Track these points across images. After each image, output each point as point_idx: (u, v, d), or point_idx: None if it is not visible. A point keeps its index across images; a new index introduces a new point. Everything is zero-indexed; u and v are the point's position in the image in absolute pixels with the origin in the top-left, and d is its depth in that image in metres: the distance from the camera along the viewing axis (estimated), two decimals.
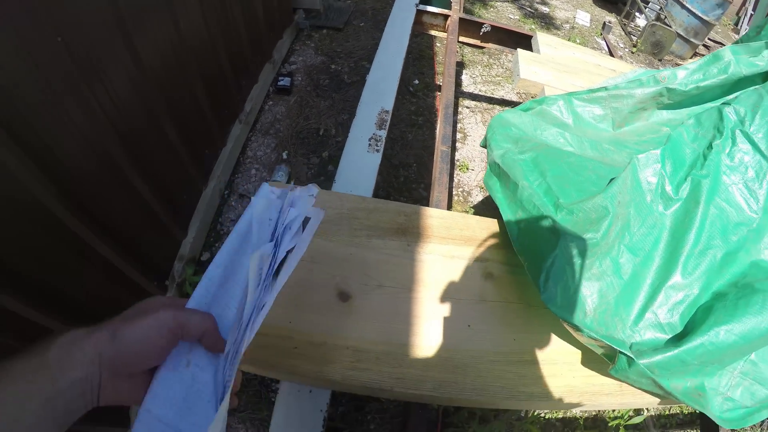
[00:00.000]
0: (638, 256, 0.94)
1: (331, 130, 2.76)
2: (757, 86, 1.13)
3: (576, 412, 2.32)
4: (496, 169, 1.21)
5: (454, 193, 2.79)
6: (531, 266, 0.97)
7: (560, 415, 2.36)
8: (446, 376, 0.90)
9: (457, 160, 2.97)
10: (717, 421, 0.90)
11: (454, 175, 2.83)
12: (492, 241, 1.14)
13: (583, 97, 1.48)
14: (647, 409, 2.46)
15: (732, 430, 1.20)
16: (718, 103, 1.14)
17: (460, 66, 3.57)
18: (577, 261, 0.91)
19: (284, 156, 2.64)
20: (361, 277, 1.01)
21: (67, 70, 1.25)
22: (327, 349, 0.91)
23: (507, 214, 1.09)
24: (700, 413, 1.19)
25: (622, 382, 0.96)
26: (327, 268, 1.01)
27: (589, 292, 0.89)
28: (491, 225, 1.17)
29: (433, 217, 1.14)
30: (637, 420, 2.29)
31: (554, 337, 1.01)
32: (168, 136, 1.85)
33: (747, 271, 0.94)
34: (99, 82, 1.41)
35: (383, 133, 1.71)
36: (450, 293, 1.03)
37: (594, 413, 2.37)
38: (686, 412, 2.62)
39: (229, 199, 2.44)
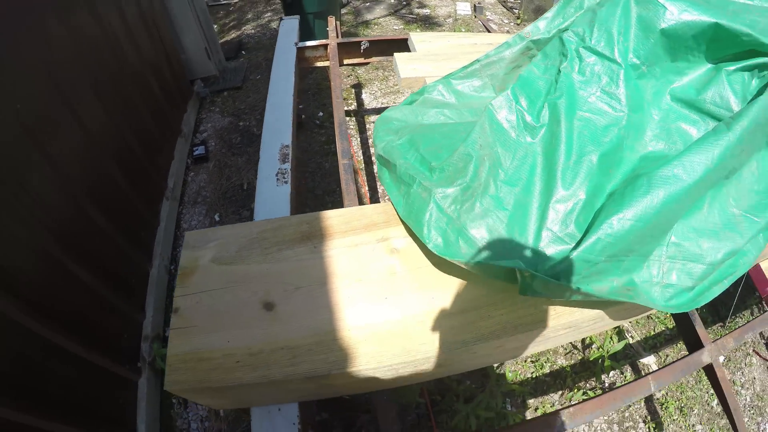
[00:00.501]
0: (517, 186, 1.04)
1: (254, 182, 2.93)
2: (588, 7, 1.29)
3: (562, 362, 2.48)
4: (381, 161, 1.38)
5: (372, 195, 2.96)
6: (416, 226, 1.09)
7: (547, 370, 2.50)
8: (376, 348, 1.02)
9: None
10: (664, 310, 0.96)
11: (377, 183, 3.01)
12: (390, 222, 1.28)
13: (459, 75, 1.59)
14: (630, 336, 2.65)
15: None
16: None
17: (359, 87, 3.81)
18: (452, 207, 1.04)
19: (216, 218, 2.78)
20: (279, 285, 1.14)
21: None
22: (265, 355, 1.03)
23: (393, 193, 1.24)
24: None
25: (543, 298, 1.05)
26: (249, 287, 1.14)
27: (477, 231, 1.00)
28: (386, 208, 1.30)
29: (332, 217, 1.30)
30: (617, 347, 2.44)
31: (472, 286, 1.13)
32: (99, 224, 1.96)
33: (637, 165, 1.04)
34: (24, 192, 1.53)
35: (287, 166, 1.87)
36: (361, 275, 1.15)
37: (579, 358, 2.53)
38: (671, 326, 2.82)
39: (176, 273, 2.55)
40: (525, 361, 2.45)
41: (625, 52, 1.13)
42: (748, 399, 2.65)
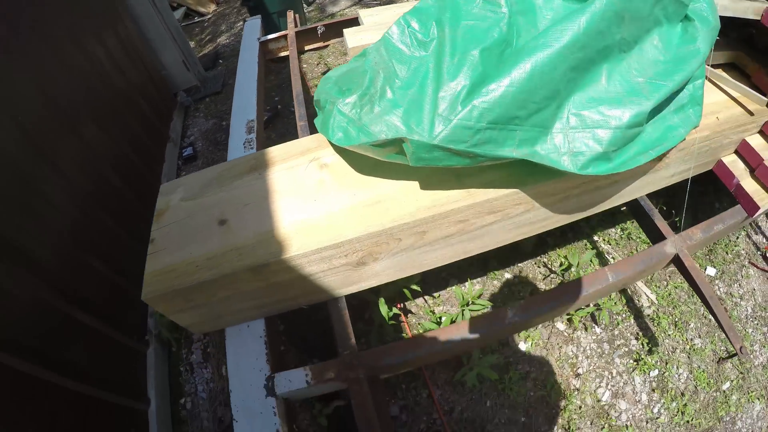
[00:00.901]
0: (412, 88, 1.22)
1: None
2: None
3: (542, 287, 2.55)
4: (316, 107, 1.57)
5: None
6: (324, 131, 1.32)
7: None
8: (306, 238, 1.24)
9: None
10: (581, 172, 1.12)
11: None
12: (321, 146, 1.49)
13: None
14: (612, 258, 2.69)
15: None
16: None
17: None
18: (353, 111, 1.28)
19: None
20: (231, 206, 1.36)
21: None
22: (218, 257, 1.25)
23: (318, 121, 1.44)
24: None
25: (442, 167, 1.21)
26: (208, 212, 1.38)
27: (376, 126, 1.20)
28: (319, 137, 1.53)
29: (274, 150, 1.51)
30: (587, 257, 2.48)
31: (387, 181, 1.33)
32: (106, 224, 2.26)
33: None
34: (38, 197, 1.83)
35: (253, 136, 2.09)
36: (297, 186, 1.39)
37: (558, 281, 2.59)
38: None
39: None
40: (502, 290, 2.51)
41: None
42: (750, 310, 2.67)
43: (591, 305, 2.38)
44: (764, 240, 3.10)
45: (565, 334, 2.37)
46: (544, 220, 1.47)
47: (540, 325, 2.41)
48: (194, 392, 2.18)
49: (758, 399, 2.33)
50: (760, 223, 3.29)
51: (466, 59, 1.17)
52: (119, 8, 3.15)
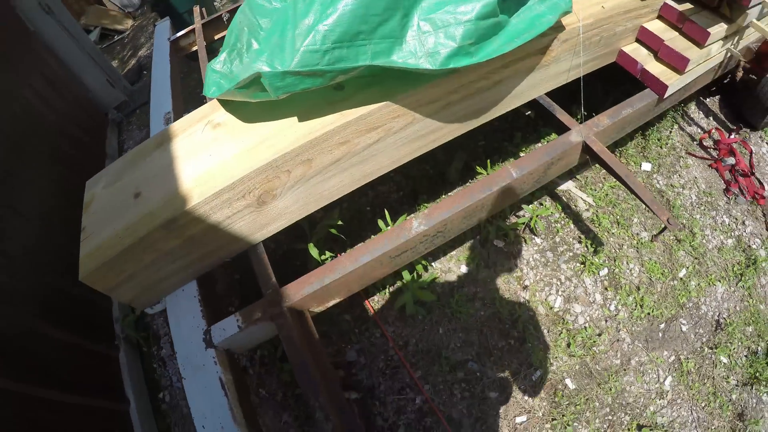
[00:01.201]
0: (274, 35, 1.32)
1: None
2: None
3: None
4: None
5: None
6: (205, 92, 1.47)
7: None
8: (203, 188, 1.34)
9: None
10: (442, 67, 1.24)
11: None
12: (215, 109, 1.59)
13: None
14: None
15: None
16: None
17: None
18: (224, 67, 1.45)
19: None
20: (142, 180, 1.49)
21: None
22: (136, 224, 1.38)
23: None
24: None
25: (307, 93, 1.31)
26: (124, 190, 1.48)
27: (245, 74, 1.29)
28: (213, 102, 1.63)
29: (176, 124, 1.62)
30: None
31: (270, 125, 1.43)
32: (58, 241, 2.30)
33: None
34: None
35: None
36: (195, 148, 1.51)
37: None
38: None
39: None
40: None
41: None
42: (694, 197, 2.80)
43: (525, 216, 2.48)
44: (699, 130, 3.23)
45: (505, 250, 2.48)
46: (434, 131, 1.57)
47: (478, 246, 2.50)
48: (170, 384, 2.27)
49: (719, 281, 2.43)
50: (692, 115, 3.41)
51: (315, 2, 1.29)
52: (38, 49, 3.24)
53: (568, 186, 2.72)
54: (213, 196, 1.31)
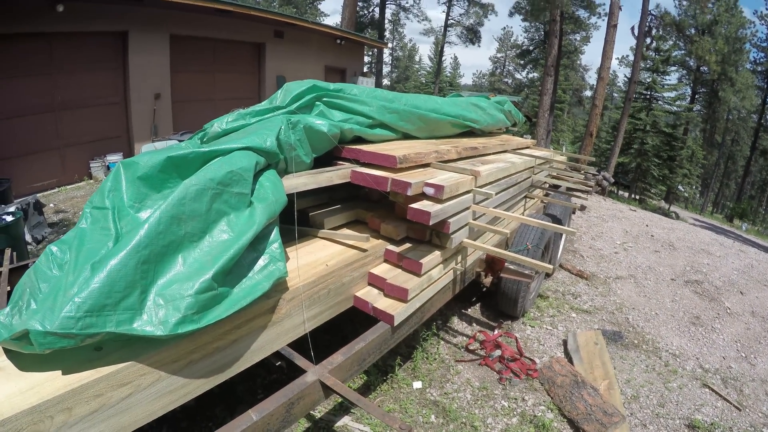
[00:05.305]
0: (49, 298, 1.58)
1: None
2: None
3: None
4: None
5: None
6: None
7: None
8: None
9: None
10: (171, 333, 1.53)
11: None
12: None
13: None
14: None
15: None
16: None
17: None
18: (6, 318, 1.61)
19: None
20: None
21: None
22: None
23: None
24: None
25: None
26: None
27: (20, 328, 1.49)
28: None
29: None
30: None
31: (51, 373, 1.55)
32: None
33: None
34: None
35: None
36: None
37: None
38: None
39: None
40: None
41: (120, 199, 1.92)
42: (470, 396, 3.18)
43: None
44: (464, 338, 3.81)
45: None
46: (182, 387, 1.78)
47: None
48: None
49: None
50: (456, 327, 4.02)
51: (81, 272, 1.62)
52: None
53: (345, 421, 2.86)
54: None
